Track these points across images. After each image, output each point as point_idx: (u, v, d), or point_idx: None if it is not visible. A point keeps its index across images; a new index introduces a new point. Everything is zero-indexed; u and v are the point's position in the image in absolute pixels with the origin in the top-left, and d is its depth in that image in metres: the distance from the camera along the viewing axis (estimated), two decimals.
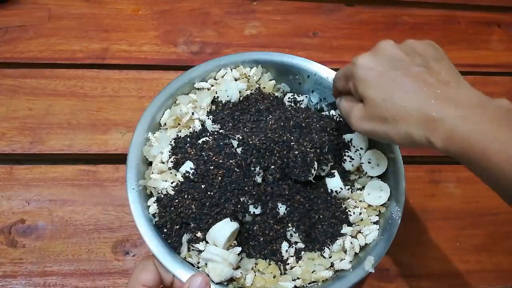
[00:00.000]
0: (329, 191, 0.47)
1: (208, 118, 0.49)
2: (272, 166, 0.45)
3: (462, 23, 0.83)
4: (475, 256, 0.62)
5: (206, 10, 0.77)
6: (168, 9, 0.76)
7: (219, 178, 0.44)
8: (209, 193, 0.44)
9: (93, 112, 0.65)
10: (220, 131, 0.48)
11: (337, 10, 0.81)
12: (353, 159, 0.49)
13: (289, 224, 0.45)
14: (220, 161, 0.45)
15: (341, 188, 0.47)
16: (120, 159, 0.62)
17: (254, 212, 0.44)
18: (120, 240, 0.57)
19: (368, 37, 0.79)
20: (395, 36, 0.78)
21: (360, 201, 0.49)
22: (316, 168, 0.45)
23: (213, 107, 0.51)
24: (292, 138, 0.46)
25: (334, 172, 0.48)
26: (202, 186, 0.45)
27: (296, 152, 0.45)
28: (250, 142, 0.45)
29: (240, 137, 0.46)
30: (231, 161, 0.45)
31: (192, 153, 0.47)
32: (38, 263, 0.55)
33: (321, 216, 0.46)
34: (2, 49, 0.68)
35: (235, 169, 0.45)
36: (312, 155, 0.45)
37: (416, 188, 0.65)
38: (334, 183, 0.48)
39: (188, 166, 0.46)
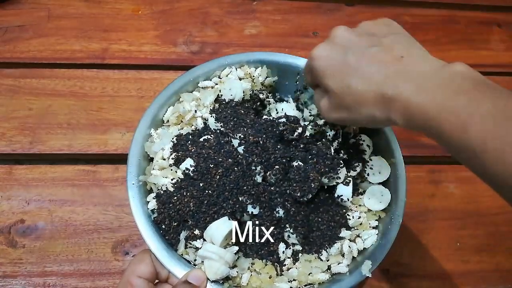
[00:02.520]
0: (336, 196, 0.47)
1: (211, 116, 0.49)
2: (276, 166, 0.45)
3: (462, 23, 0.83)
4: (475, 256, 0.62)
5: (206, 10, 0.77)
6: (168, 9, 0.76)
7: (217, 177, 0.44)
8: (207, 191, 0.44)
9: (93, 112, 0.65)
10: (221, 129, 0.48)
11: (337, 10, 0.81)
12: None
13: (287, 225, 0.45)
14: (220, 159, 0.45)
15: (347, 199, 0.47)
16: (120, 159, 0.62)
17: (252, 212, 0.44)
18: (120, 241, 0.57)
19: None
20: None
21: (360, 205, 0.48)
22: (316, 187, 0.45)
23: (216, 105, 0.51)
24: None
25: (349, 182, 0.47)
26: (201, 184, 0.45)
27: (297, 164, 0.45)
28: (251, 140, 0.45)
29: (242, 136, 0.46)
30: (229, 160, 0.45)
31: (193, 150, 0.47)
32: (37, 263, 0.55)
33: (319, 219, 0.46)
34: (2, 49, 0.68)
35: (234, 168, 0.45)
36: (313, 176, 0.45)
37: (416, 188, 0.65)
38: (346, 191, 0.47)
39: (188, 163, 0.46)
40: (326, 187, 0.47)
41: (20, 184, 0.59)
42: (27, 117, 0.63)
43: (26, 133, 0.62)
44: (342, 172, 0.46)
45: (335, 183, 0.47)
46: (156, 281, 0.42)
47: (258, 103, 0.54)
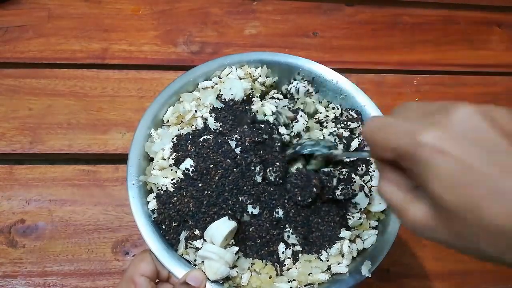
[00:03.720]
0: (354, 202, 0.47)
1: (211, 116, 0.49)
2: (277, 163, 0.45)
3: (462, 23, 0.83)
4: None
5: (206, 10, 0.77)
6: (168, 9, 0.76)
7: (217, 177, 0.44)
8: (206, 191, 0.44)
9: (93, 112, 0.65)
10: (220, 129, 0.48)
11: (337, 10, 0.81)
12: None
13: (287, 226, 0.45)
14: (219, 159, 0.45)
15: (361, 208, 0.47)
16: (120, 159, 0.62)
17: (252, 212, 0.44)
18: (120, 240, 0.57)
19: (368, 37, 0.79)
20: (395, 35, 0.78)
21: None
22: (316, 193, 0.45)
23: (216, 105, 0.51)
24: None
25: (371, 193, 0.47)
26: (200, 185, 0.45)
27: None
28: (251, 140, 0.45)
29: (238, 137, 0.46)
30: (228, 160, 0.45)
31: (192, 150, 0.47)
32: (38, 263, 0.55)
33: (319, 220, 0.46)
34: (2, 49, 0.68)
35: (234, 168, 0.45)
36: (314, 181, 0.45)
37: None
38: (364, 201, 0.47)
39: (188, 163, 0.46)
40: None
41: (20, 184, 0.59)
42: (27, 117, 0.63)
43: (26, 133, 0.62)
44: (356, 185, 0.46)
45: (350, 196, 0.46)
46: (157, 280, 0.43)
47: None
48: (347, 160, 0.48)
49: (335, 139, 0.50)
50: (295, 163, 0.47)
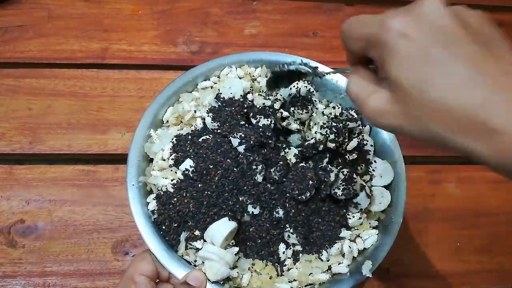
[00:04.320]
0: (355, 202, 0.47)
1: (208, 116, 0.49)
2: (281, 162, 0.45)
3: None
4: (475, 256, 0.62)
5: (206, 10, 0.77)
6: (168, 8, 0.76)
7: (216, 178, 0.44)
8: (206, 192, 0.44)
9: (92, 112, 0.65)
10: (218, 131, 0.48)
11: (337, 10, 0.81)
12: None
13: (287, 225, 0.45)
14: (218, 159, 0.45)
15: (362, 208, 0.47)
16: (120, 159, 0.62)
17: (252, 212, 0.44)
18: (120, 241, 0.57)
19: None
20: None
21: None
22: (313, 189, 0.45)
23: (214, 104, 0.51)
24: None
25: (371, 193, 0.47)
26: (200, 185, 0.45)
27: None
28: (253, 139, 0.45)
29: (242, 135, 0.46)
30: (228, 160, 0.45)
31: (191, 151, 0.47)
32: (37, 263, 0.55)
33: (320, 220, 0.46)
34: (2, 49, 0.68)
35: (234, 168, 0.45)
36: (310, 174, 0.45)
37: (416, 188, 0.65)
38: (365, 201, 0.47)
39: (187, 164, 0.46)
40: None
41: (20, 184, 0.59)
42: (27, 117, 0.63)
43: (26, 133, 0.62)
44: (357, 185, 0.46)
45: (351, 195, 0.46)
46: (157, 280, 0.43)
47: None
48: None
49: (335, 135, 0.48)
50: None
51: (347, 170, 0.46)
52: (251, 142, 0.45)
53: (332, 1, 0.81)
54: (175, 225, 0.44)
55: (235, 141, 0.46)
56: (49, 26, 0.71)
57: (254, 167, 0.44)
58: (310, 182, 0.44)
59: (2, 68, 0.67)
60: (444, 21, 0.27)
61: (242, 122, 0.48)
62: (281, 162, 0.45)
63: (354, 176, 0.46)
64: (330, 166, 0.46)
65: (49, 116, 0.64)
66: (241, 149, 0.46)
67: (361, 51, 0.31)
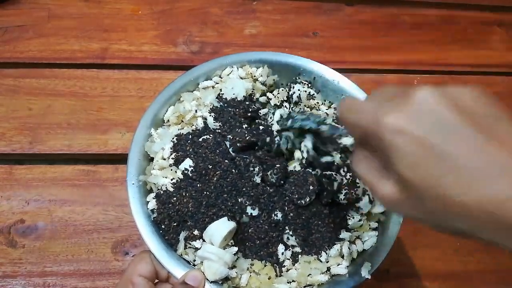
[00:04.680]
0: (357, 206, 0.47)
1: (210, 115, 0.49)
2: (278, 165, 0.45)
3: (462, 23, 0.83)
4: (475, 256, 0.62)
5: (206, 10, 0.77)
6: (168, 8, 0.76)
7: (215, 178, 0.44)
8: (205, 192, 0.44)
9: (93, 112, 0.65)
10: (219, 131, 0.48)
11: (337, 10, 0.81)
12: None
13: (286, 227, 0.45)
14: (217, 160, 0.45)
15: (363, 213, 0.47)
16: (120, 159, 0.62)
17: (251, 213, 0.44)
18: (120, 241, 0.57)
19: (368, 37, 0.79)
20: (395, 36, 0.78)
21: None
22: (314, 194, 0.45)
23: (216, 104, 0.51)
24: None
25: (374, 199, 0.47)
26: (199, 185, 0.45)
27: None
28: (249, 141, 0.45)
29: (231, 137, 0.46)
30: (226, 161, 0.45)
31: (191, 150, 0.47)
32: (37, 263, 0.55)
33: (319, 222, 0.46)
34: (2, 49, 0.68)
35: (232, 169, 0.45)
36: (311, 179, 0.45)
37: None
38: (367, 206, 0.46)
39: (187, 163, 0.46)
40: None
41: (20, 184, 0.59)
42: (27, 117, 0.63)
43: (26, 133, 0.62)
44: (360, 189, 0.46)
45: (353, 200, 0.46)
46: (156, 280, 0.43)
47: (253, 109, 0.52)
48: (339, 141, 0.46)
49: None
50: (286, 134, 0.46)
51: (350, 174, 0.46)
52: (238, 144, 0.45)
53: (332, 1, 0.81)
54: (175, 224, 0.44)
55: (227, 143, 0.46)
56: (49, 26, 0.71)
57: (251, 168, 0.44)
58: (311, 187, 0.44)
59: (2, 68, 0.67)
60: (439, 111, 0.26)
61: (245, 126, 0.48)
62: (278, 165, 0.45)
63: (357, 180, 0.46)
64: (334, 175, 0.46)
65: (49, 116, 0.64)
66: (230, 150, 0.45)
67: (361, 137, 0.30)
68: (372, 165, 0.30)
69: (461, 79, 0.77)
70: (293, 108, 0.53)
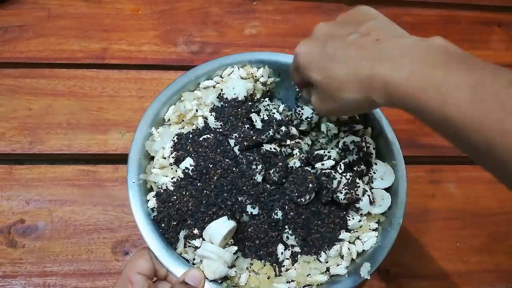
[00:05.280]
0: (357, 207, 0.47)
1: (211, 115, 0.49)
2: (280, 163, 0.45)
3: (462, 23, 0.83)
4: (475, 256, 0.62)
5: (206, 10, 0.77)
6: (168, 8, 0.76)
7: (215, 177, 0.44)
8: (205, 191, 0.44)
9: (92, 112, 0.65)
10: (220, 130, 0.48)
11: (337, 10, 0.81)
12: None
13: (286, 227, 0.45)
14: (218, 159, 0.45)
15: (363, 213, 0.47)
16: (120, 159, 0.62)
17: (251, 212, 0.44)
18: (120, 241, 0.57)
19: None
20: None
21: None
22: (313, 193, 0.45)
23: (217, 104, 0.51)
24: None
25: (374, 200, 0.47)
26: (199, 184, 0.45)
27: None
28: (252, 139, 0.45)
29: (237, 135, 0.46)
30: (227, 160, 0.45)
31: (191, 150, 0.47)
32: (37, 263, 0.55)
33: (319, 222, 0.46)
34: (2, 49, 0.68)
35: (233, 168, 0.45)
36: (311, 177, 0.45)
37: (416, 188, 0.65)
38: (367, 207, 0.47)
39: (188, 162, 0.46)
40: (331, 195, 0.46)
41: (20, 184, 0.59)
42: (27, 117, 0.63)
43: (26, 133, 0.62)
44: (360, 189, 0.46)
45: (353, 200, 0.46)
46: (155, 279, 0.42)
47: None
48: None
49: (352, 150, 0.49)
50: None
51: (350, 174, 0.46)
52: (245, 143, 0.45)
53: (332, 1, 0.81)
54: (174, 223, 0.44)
55: (231, 142, 0.46)
56: (49, 26, 0.71)
57: (253, 166, 0.44)
58: (310, 185, 0.44)
59: (2, 68, 0.67)
60: (327, 31, 0.40)
61: (247, 126, 0.48)
62: (280, 163, 0.45)
63: (357, 180, 0.46)
64: (333, 173, 0.46)
65: (49, 116, 0.64)
66: (236, 149, 0.46)
67: (299, 80, 0.44)
68: (307, 90, 0.43)
69: None
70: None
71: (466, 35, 0.82)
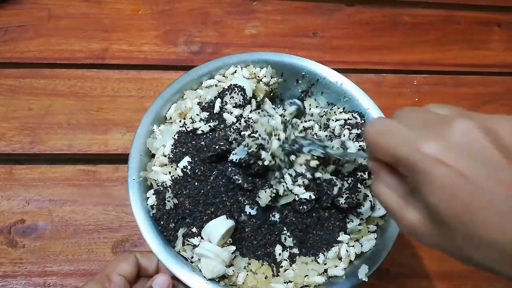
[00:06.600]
0: (358, 212, 0.46)
1: (205, 114, 0.49)
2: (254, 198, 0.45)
3: (462, 23, 0.83)
4: None
5: (206, 10, 0.77)
6: (168, 9, 0.76)
7: (212, 177, 0.44)
8: (202, 191, 0.44)
9: (93, 112, 0.65)
10: (216, 129, 0.48)
11: (337, 10, 0.81)
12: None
13: (284, 228, 0.45)
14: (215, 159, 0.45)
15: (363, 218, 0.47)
16: (120, 159, 0.62)
17: (250, 212, 0.44)
18: (120, 240, 0.57)
19: (368, 37, 0.79)
20: (395, 36, 0.78)
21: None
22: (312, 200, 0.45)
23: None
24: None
25: (375, 204, 0.47)
26: (196, 184, 0.45)
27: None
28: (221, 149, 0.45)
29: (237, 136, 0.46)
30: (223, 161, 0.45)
31: (192, 148, 0.47)
32: (38, 263, 0.55)
33: (318, 225, 0.46)
34: (2, 49, 0.68)
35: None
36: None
37: None
38: (368, 211, 0.46)
39: (186, 161, 0.46)
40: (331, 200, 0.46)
41: (20, 184, 0.59)
42: (27, 117, 0.63)
43: (26, 133, 0.62)
44: (361, 194, 0.46)
45: (354, 205, 0.45)
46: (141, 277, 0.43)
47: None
48: (348, 165, 0.46)
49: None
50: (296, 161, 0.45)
51: (352, 178, 0.46)
52: (208, 154, 0.45)
53: (332, 1, 0.81)
54: (173, 221, 0.44)
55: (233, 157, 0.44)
56: (49, 26, 0.71)
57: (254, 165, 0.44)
58: (312, 197, 0.44)
59: (2, 68, 0.67)
60: (479, 145, 0.25)
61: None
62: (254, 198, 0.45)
63: (359, 185, 0.46)
64: (334, 179, 0.45)
65: (49, 116, 0.64)
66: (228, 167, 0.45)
67: (388, 162, 0.29)
68: (397, 191, 0.29)
69: (461, 79, 0.77)
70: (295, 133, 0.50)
71: (466, 35, 0.82)
